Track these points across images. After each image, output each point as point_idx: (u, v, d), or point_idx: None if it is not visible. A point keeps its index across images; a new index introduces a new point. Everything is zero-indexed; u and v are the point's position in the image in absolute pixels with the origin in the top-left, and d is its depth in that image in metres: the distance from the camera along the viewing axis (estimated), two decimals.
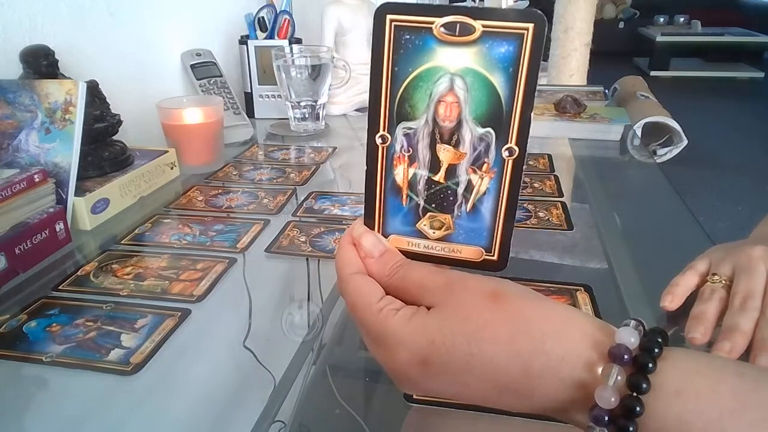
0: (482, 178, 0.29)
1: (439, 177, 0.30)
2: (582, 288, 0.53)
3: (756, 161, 3.29)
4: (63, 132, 0.64)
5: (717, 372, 0.24)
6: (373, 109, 0.30)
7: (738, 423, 0.22)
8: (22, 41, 0.71)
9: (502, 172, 0.29)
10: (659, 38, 5.38)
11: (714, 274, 0.45)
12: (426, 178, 0.30)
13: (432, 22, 0.27)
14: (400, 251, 0.32)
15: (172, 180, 0.81)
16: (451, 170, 0.30)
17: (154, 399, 0.42)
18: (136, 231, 0.66)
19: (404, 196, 0.31)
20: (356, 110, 1.21)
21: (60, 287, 0.54)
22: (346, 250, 0.32)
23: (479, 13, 0.27)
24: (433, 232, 0.31)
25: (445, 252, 0.32)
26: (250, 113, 1.15)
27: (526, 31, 0.27)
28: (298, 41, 1.14)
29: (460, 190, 0.30)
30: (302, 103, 1.02)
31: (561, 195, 0.75)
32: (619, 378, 0.25)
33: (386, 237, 0.32)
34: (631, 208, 0.79)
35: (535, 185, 0.78)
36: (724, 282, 0.44)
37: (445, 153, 0.29)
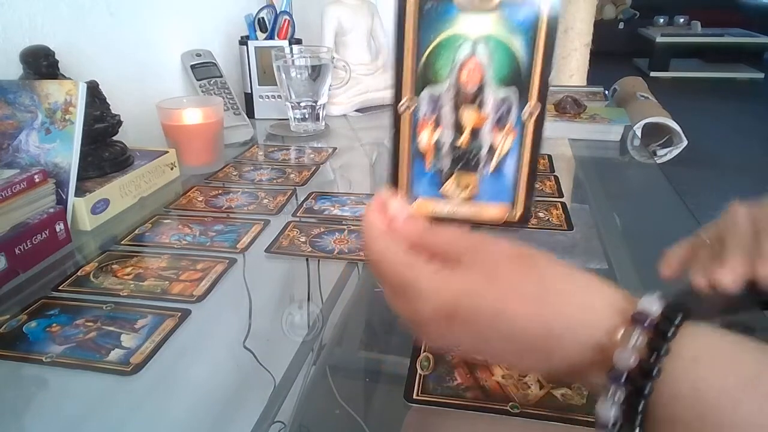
0: (505, 139, 0.30)
1: (463, 139, 0.31)
2: None
3: (756, 161, 3.29)
4: (63, 132, 0.64)
5: (735, 344, 0.25)
6: (397, 75, 0.30)
7: (752, 394, 0.23)
8: (22, 41, 0.71)
9: (523, 132, 0.30)
10: (659, 39, 5.38)
11: (701, 234, 0.46)
12: (450, 141, 0.31)
13: None
14: (426, 215, 0.32)
15: (172, 180, 0.81)
16: (475, 132, 0.30)
17: (154, 399, 0.42)
18: (136, 231, 0.66)
19: (429, 160, 0.31)
20: (356, 111, 1.21)
21: (60, 287, 0.54)
22: (373, 215, 0.32)
23: None
24: (458, 194, 0.32)
25: (470, 213, 0.32)
26: (250, 114, 1.15)
27: None
28: (298, 42, 1.14)
29: (484, 151, 0.31)
30: (302, 104, 1.02)
31: (561, 195, 0.75)
32: (639, 340, 0.25)
33: (412, 202, 0.32)
34: (631, 208, 0.79)
35: (535, 186, 0.78)
36: (708, 240, 0.45)
37: (468, 116, 0.30)
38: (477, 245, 0.29)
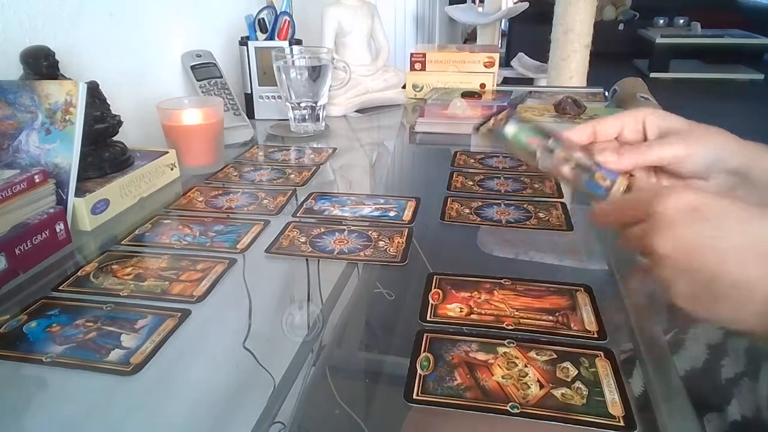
0: (587, 155, 0.46)
1: (577, 163, 0.46)
2: (582, 288, 0.53)
3: None
4: (63, 133, 0.64)
5: None
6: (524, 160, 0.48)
7: None
8: (23, 42, 0.71)
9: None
10: (659, 40, 5.38)
11: None
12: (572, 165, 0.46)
13: None
14: None
15: (172, 181, 0.81)
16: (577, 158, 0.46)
17: (154, 399, 0.42)
18: (136, 232, 0.66)
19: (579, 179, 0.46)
20: (356, 111, 1.21)
21: (60, 288, 0.54)
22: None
23: None
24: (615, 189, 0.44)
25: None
26: (250, 114, 1.15)
27: None
28: (298, 42, 1.14)
29: (587, 163, 0.46)
30: (302, 104, 1.02)
31: (561, 196, 0.75)
32: None
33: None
34: None
35: (535, 186, 0.78)
36: None
37: (558, 152, 0.46)
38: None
